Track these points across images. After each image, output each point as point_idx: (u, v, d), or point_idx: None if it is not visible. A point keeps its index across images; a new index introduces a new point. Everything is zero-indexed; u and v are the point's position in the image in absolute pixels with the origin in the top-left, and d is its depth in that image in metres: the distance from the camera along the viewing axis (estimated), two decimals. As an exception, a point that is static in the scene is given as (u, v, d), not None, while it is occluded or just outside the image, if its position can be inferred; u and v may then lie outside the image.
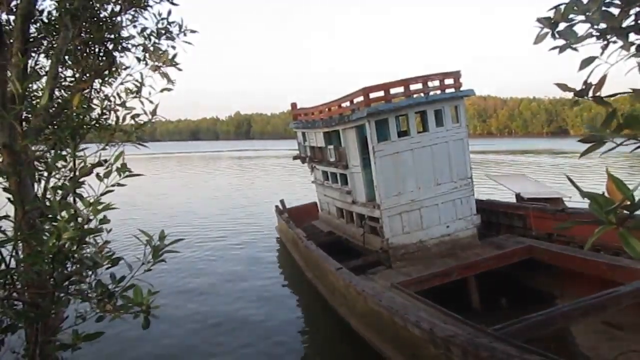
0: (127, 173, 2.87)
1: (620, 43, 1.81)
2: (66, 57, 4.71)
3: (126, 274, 2.71)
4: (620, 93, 1.95)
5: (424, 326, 7.84)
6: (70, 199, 3.12)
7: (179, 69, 4.29)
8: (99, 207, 2.55)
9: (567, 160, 53.67)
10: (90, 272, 2.70)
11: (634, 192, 1.60)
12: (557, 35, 1.97)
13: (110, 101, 4.57)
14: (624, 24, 1.79)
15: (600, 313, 8.31)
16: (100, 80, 5.08)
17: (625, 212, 1.58)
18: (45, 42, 4.81)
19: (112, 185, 2.81)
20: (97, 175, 2.88)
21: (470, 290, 11.73)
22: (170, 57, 4.29)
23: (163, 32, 4.64)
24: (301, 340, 11.83)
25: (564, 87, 2.00)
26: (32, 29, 4.40)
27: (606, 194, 1.63)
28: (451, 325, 7.80)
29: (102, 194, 2.70)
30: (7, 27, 4.25)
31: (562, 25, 1.95)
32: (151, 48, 4.41)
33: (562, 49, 1.96)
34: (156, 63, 4.16)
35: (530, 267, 12.03)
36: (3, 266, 2.71)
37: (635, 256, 1.53)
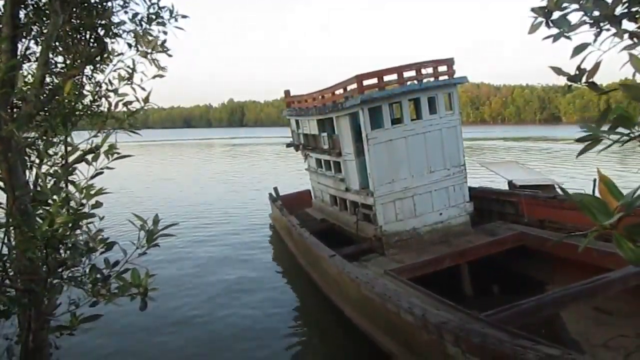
0: (115, 155, 2.83)
1: (613, 31, 1.81)
2: (57, 43, 4.65)
3: (120, 258, 2.70)
4: (614, 89, 1.95)
5: (416, 312, 7.91)
6: (63, 185, 3.10)
7: (169, 55, 4.23)
8: (92, 192, 2.53)
9: (560, 147, 53.88)
10: (84, 258, 2.69)
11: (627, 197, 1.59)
12: (551, 24, 1.96)
13: (101, 88, 4.53)
14: (617, 12, 1.79)
15: (591, 299, 8.40)
16: (92, 67, 5.03)
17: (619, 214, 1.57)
18: (35, 28, 4.74)
19: (102, 169, 2.79)
20: (85, 159, 2.85)
21: (463, 277, 11.82)
22: (159, 43, 4.23)
23: (154, 17, 4.58)
24: (294, 327, 11.89)
25: (558, 70, 2.00)
26: (22, 15, 4.34)
27: (597, 193, 1.64)
28: (443, 311, 7.86)
29: (91, 177, 2.68)
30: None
31: (556, 14, 1.94)
32: (142, 34, 4.35)
33: (555, 37, 1.96)
34: (144, 49, 4.10)
35: (522, 253, 12.13)
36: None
37: (628, 259, 1.52)
